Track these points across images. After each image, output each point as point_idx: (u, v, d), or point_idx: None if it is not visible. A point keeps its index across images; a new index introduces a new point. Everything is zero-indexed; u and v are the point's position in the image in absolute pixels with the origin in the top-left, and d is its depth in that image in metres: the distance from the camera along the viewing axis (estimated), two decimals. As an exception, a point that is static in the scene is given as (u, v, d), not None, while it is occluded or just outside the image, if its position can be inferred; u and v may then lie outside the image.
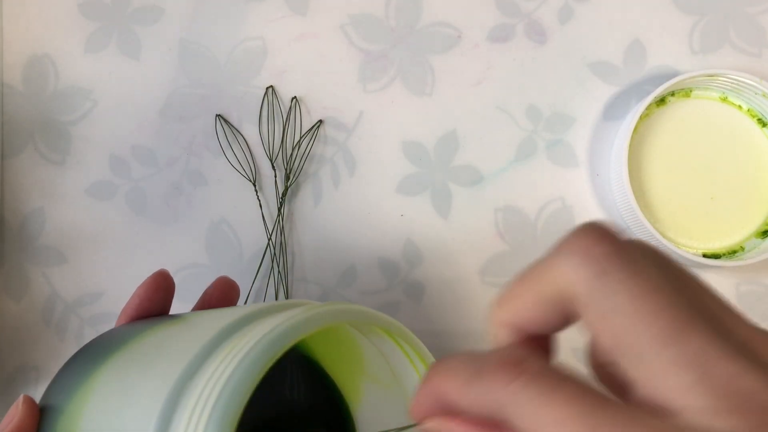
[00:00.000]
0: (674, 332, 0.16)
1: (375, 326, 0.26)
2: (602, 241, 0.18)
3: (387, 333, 0.27)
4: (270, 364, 0.21)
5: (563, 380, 0.17)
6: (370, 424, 0.30)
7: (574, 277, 0.17)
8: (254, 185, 0.43)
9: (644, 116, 0.43)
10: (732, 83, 0.43)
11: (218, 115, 0.44)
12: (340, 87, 0.44)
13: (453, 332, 0.42)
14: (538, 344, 0.20)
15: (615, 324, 0.17)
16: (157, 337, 0.26)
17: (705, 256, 0.42)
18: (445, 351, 0.42)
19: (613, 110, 0.44)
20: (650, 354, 0.16)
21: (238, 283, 0.35)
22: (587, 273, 0.17)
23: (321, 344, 0.32)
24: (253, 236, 0.42)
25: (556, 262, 0.18)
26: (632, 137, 0.42)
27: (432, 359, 0.28)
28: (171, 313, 0.32)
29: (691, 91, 0.44)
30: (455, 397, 0.19)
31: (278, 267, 0.42)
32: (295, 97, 0.44)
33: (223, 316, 0.24)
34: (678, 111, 0.44)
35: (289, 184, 0.43)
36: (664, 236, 0.41)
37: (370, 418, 0.30)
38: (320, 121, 0.44)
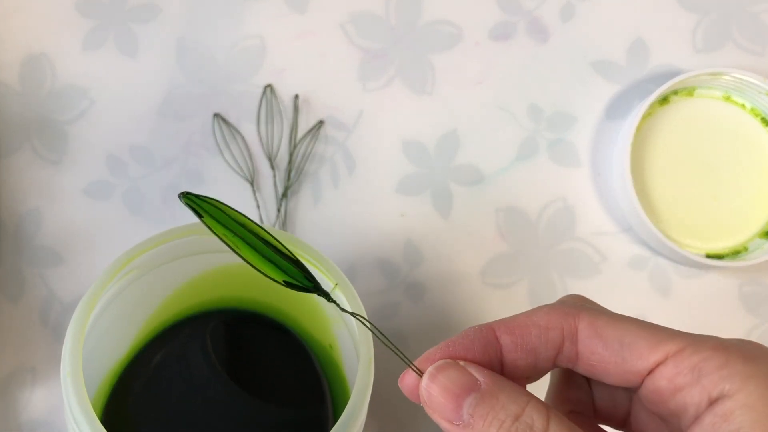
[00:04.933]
0: None
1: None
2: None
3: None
4: (107, 281, 0.29)
5: None
6: (352, 369, 0.32)
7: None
8: (252, 185, 0.43)
9: (647, 115, 0.43)
10: (735, 82, 0.42)
11: (216, 114, 0.43)
12: (340, 86, 0.44)
13: (454, 333, 0.42)
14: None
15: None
16: None
17: (708, 256, 0.42)
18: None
19: (615, 109, 0.44)
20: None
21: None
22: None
23: (301, 316, 0.35)
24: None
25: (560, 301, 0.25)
26: (635, 136, 0.42)
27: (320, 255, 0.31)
28: None
29: (694, 89, 0.44)
30: None
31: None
32: (297, 95, 0.44)
33: None
34: (681, 110, 0.43)
35: (290, 184, 0.42)
36: (667, 236, 0.41)
37: (350, 362, 0.31)
38: (321, 122, 0.43)
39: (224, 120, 0.43)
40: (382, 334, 0.23)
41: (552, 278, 0.42)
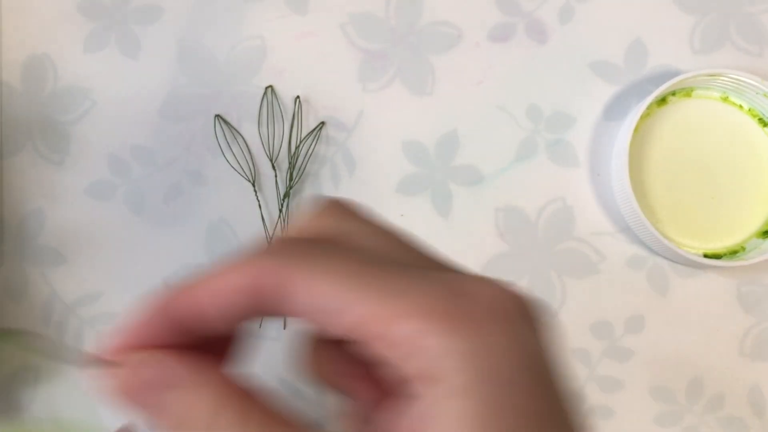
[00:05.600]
0: None
1: None
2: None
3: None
4: None
5: None
6: None
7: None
8: (253, 185, 0.43)
9: (645, 116, 0.43)
10: (733, 83, 0.42)
11: (217, 115, 0.43)
12: (340, 86, 0.44)
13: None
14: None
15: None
16: None
17: (706, 256, 0.42)
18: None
19: (613, 110, 0.44)
20: None
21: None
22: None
23: None
24: (254, 236, 0.42)
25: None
26: (633, 137, 0.42)
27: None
28: None
29: (692, 90, 0.44)
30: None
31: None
32: (298, 96, 0.44)
33: None
34: (679, 111, 0.44)
35: (292, 184, 0.43)
36: (665, 236, 0.41)
37: None
38: (322, 123, 0.44)
39: (225, 121, 0.43)
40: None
41: (551, 278, 0.43)
